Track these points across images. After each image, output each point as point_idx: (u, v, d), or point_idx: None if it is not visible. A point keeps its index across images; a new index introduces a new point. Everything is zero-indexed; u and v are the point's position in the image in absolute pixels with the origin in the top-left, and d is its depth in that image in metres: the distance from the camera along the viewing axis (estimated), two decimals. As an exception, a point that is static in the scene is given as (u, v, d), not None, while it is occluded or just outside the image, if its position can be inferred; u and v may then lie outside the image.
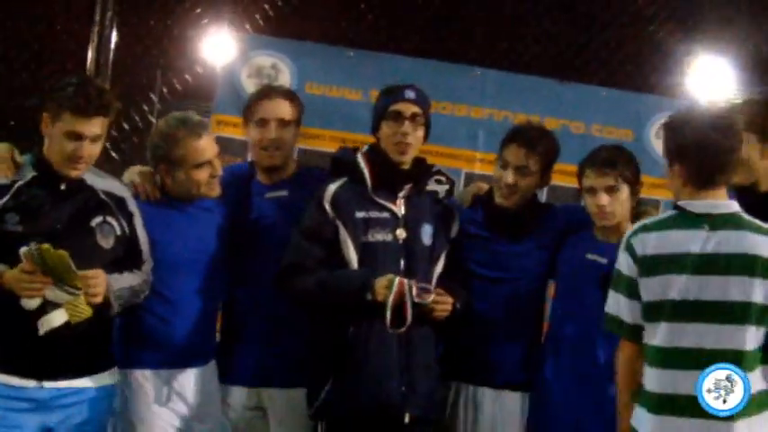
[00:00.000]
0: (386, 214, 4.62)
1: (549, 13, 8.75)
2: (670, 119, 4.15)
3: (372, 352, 4.48)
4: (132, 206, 4.52)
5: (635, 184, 4.73)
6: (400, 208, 4.65)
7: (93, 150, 4.26)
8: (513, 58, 8.67)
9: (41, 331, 4.06)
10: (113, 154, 4.74)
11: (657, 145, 6.28)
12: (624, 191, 4.67)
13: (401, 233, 4.61)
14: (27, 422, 4.17)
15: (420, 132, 4.69)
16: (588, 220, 4.83)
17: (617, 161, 4.67)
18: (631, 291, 4.04)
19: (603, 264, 4.66)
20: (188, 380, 4.74)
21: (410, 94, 4.68)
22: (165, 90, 8.89)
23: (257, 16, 7.72)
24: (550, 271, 4.96)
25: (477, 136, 6.15)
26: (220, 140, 5.90)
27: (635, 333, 4.06)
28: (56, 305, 4.07)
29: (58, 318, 4.07)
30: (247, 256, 4.92)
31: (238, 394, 4.89)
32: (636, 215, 4.77)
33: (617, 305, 4.10)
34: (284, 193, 4.94)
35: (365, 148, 4.79)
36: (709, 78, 7.30)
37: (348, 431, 4.56)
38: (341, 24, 9.37)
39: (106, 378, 4.40)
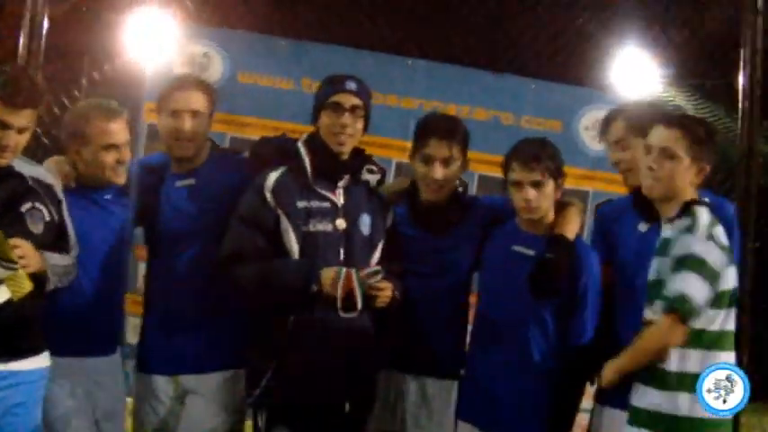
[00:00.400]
0: (326, 204, 4.64)
1: (481, 4, 8.80)
2: None
3: (313, 341, 4.51)
4: (60, 193, 4.52)
5: (559, 177, 4.78)
6: (339, 198, 4.68)
7: (19, 140, 4.26)
8: (444, 48, 8.71)
9: None
10: (44, 140, 4.71)
11: (586, 136, 6.41)
12: (549, 185, 4.71)
13: (341, 223, 4.64)
14: (-40, 405, 4.17)
15: (359, 124, 4.71)
16: (512, 211, 4.87)
17: (542, 156, 4.69)
18: (714, 279, 4.15)
19: (530, 255, 4.73)
20: (96, 367, 4.77)
21: (351, 85, 4.69)
22: (96, 76, 8.84)
23: (189, 4, 7.67)
24: (476, 262, 5.01)
25: (408, 126, 6.17)
26: (153, 128, 5.94)
27: (697, 318, 4.18)
28: None
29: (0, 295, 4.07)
30: (158, 245, 4.97)
31: (161, 384, 4.88)
32: (558, 206, 4.84)
33: (699, 290, 4.14)
34: (192, 181, 4.92)
35: (305, 136, 4.80)
36: (635, 72, 7.39)
37: (289, 419, 4.57)
38: (273, 14, 9.36)
39: (39, 361, 4.40)
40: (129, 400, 5.10)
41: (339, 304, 4.43)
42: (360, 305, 4.46)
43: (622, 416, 4.53)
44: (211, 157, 5.01)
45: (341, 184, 4.70)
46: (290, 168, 4.68)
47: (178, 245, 4.84)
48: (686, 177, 4.28)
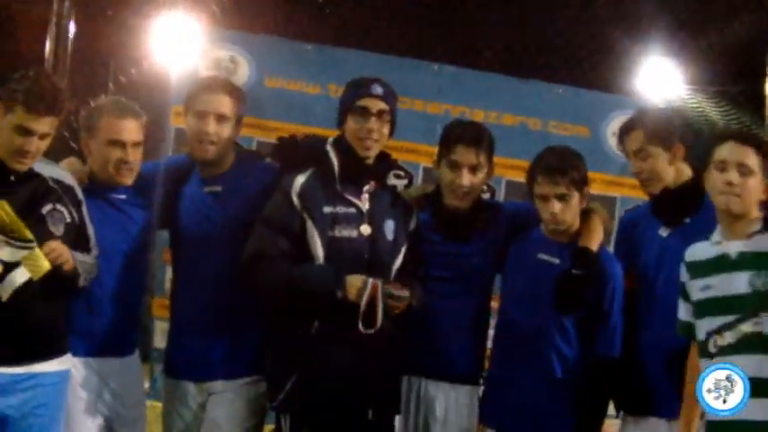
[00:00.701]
0: (352, 210, 4.59)
1: (509, 12, 8.81)
2: None
3: (337, 348, 4.47)
4: (80, 194, 4.50)
5: (584, 187, 4.76)
6: (365, 203, 4.62)
7: (40, 146, 4.24)
8: (471, 54, 8.71)
9: (4, 297, 4.06)
10: (72, 144, 4.73)
11: (613, 143, 6.35)
12: (575, 197, 4.67)
13: (366, 229, 4.58)
14: (-18, 407, 4.20)
15: (386, 129, 4.66)
16: (537, 218, 4.86)
17: (567, 168, 4.65)
18: None
19: (555, 264, 4.71)
20: (111, 367, 4.73)
21: (377, 89, 4.63)
22: (123, 80, 8.88)
23: (215, 8, 7.71)
24: (498, 267, 4.98)
25: (434, 131, 6.17)
26: (180, 132, 5.93)
27: None
28: (14, 266, 4.06)
29: (18, 277, 4.06)
30: (183, 249, 4.91)
31: (190, 389, 4.83)
32: (582, 214, 4.81)
33: None
34: (219, 188, 4.84)
35: (332, 139, 4.75)
36: (662, 78, 7.37)
37: (312, 425, 4.54)
38: (299, 18, 9.39)
39: (61, 363, 4.39)
40: (159, 404, 5.08)
41: (360, 317, 4.35)
42: (379, 323, 4.39)
43: (655, 421, 4.61)
44: (238, 162, 4.94)
45: (366, 189, 4.66)
46: (317, 171, 4.65)
47: (204, 250, 4.78)
48: (759, 193, 4.25)
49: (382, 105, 4.61)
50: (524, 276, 4.81)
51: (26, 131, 4.16)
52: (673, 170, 4.72)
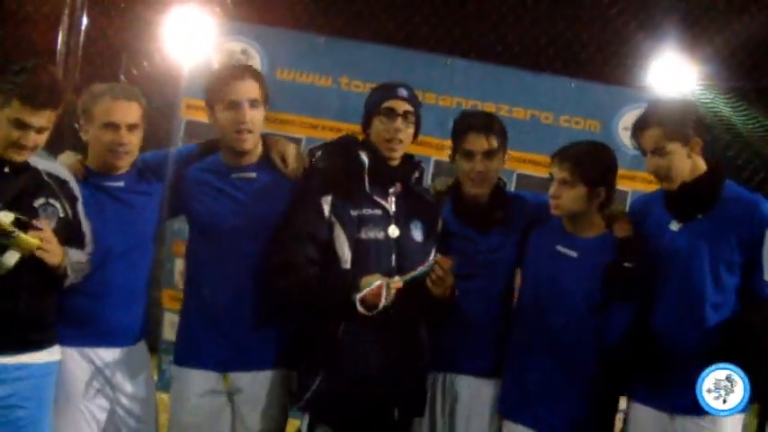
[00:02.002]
0: (378, 211, 4.63)
1: (521, 5, 8.80)
2: None
3: (363, 349, 4.51)
4: (75, 190, 4.49)
5: (597, 185, 4.74)
6: (392, 205, 4.67)
7: (38, 139, 4.23)
8: (484, 48, 8.70)
9: None
10: (83, 136, 4.74)
11: (625, 137, 6.35)
12: (580, 188, 4.69)
13: (393, 230, 4.63)
14: (-30, 397, 4.19)
15: (411, 130, 4.71)
16: (554, 210, 4.89)
17: (578, 158, 4.70)
18: None
19: (573, 257, 4.74)
20: (114, 358, 4.72)
21: (403, 92, 4.70)
22: (135, 73, 8.88)
23: (228, 1, 7.71)
24: (518, 258, 5.00)
25: (446, 124, 6.16)
26: (191, 124, 5.93)
27: None
28: (2, 249, 4.07)
29: (9, 258, 4.07)
30: (212, 238, 4.84)
31: (202, 378, 4.81)
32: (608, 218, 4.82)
33: None
34: (252, 175, 4.83)
35: (361, 142, 4.78)
36: (674, 73, 7.34)
37: (336, 424, 4.58)
38: (312, 11, 9.38)
39: (50, 354, 4.39)
40: (167, 396, 5.08)
41: (359, 308, 4.36)
42: (382, 304, 4.37)
43: (657, 414, 4.64)
44: (266, 153, 4.92)
45: (392, 190, 4.70)
46: (345, 173, 4.67)
47: (235, 239, 4.74)
48: None
49: (408, 107, 4.67)
50: (542, 268, 4.85)
51: (23, 125, 4.16)
52: (690, 164, 4.69)
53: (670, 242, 4.71)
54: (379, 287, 4.34)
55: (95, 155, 4.70)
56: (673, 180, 4.70)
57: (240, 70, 4.87)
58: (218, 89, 4.78)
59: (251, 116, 4.73)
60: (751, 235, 4.58)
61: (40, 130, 4.21)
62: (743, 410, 4.36)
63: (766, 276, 4.54)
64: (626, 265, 4.61)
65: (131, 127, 4.66)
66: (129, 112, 4.67)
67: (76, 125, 4.76)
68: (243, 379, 4.78)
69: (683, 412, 4.59)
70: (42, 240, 4.14)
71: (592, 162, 4.74)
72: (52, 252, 4.19)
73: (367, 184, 4.64)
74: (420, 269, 4.48)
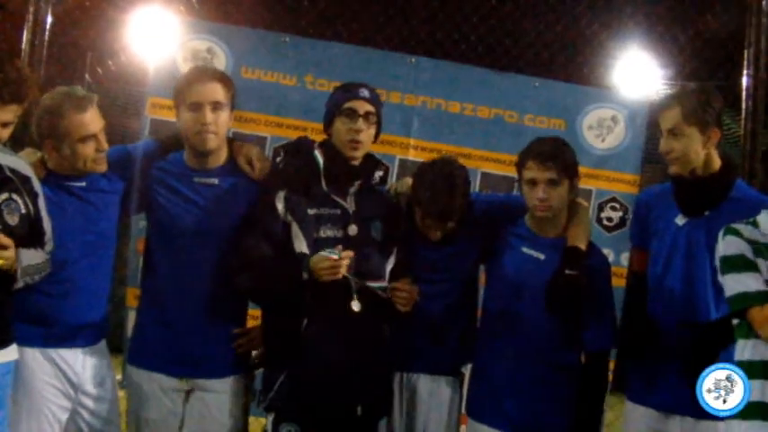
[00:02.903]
0: (337, 211, 4.66)
1: (486, 4, 8.80)
2: None
3: (325, 344, 4.53)
4: (37, 186, 4.46)
5: (574, 178, 4.77)
6: (351, 204, 4.70)
7: (2, 133, 4.22)
8: (447, 46, 8.71)
9: None
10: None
11: (589, 135, 6.39)
12: (565, 185, 4.71)
13: (353, 229, 4.66)
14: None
15: (372, 130, 4.75)
16: (517, 209, 4.90)
17: (559, 155, 4.71)
18: None
19: (540, 259, 4.77)
20: (76, 358, 4.71)
21: (364, 92, 4.74)
22: (99, 72, 8.84)
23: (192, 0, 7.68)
24: (482, 259, 5.03)
25: (411, 123, 6.20)
26: (156, 123, 5.92)
27: None
28: None
29: None
30: (170, 240, 4.86)
31: (169, 382, 4.82)
32: (569, 206, 4.83)
33: None
34: (214, 181, 4.85)
35: (318, 142, 4.82)
36: (639, 72, 7.39)
37: (298, 422, 4.59)
38: (277, 10, 9.37)
39: (6, 354, 4.33)
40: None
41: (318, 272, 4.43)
42: (342, 271, 4.44)
43: (652, 413, 4.70)
44: (233, 157, 4.95)
45: (351, 190, 4.73)
46: (301, 173, 4.69)
47: (198, 243, 4.77)
48: None
49: (369, 107, 4.71)
50: (509, 270, 4.86)
51: None
52: (704, 155, 4.69)
53: (674, 237, 4.74)
54: (328, 258, 4.39)
55: (69, 165, 4.68)
56: (683, 165, 4.70)
57: (204, 73, 4.91)
58: (181, 91, 4.82)
59: (212, 118, 4.75)
60: None
61: (4, 125, 4.20)
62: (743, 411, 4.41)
63: None
64: (567, 272, 4.63)
65: (101, 129, 4.70)
66: (98, 115, 4.71)
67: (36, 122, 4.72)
68: (200, 383, 4.80)
69: (678, 411, 4.64)
70: (5, 247, 4.12)
71: (570, 155, 4.78)
72: (4, 256, 4.15)
73: (324, 183, 4.66)
74: (376, 285, 4.58)
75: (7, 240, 4.13)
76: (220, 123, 4.80)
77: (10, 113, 4.18)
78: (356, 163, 4.74)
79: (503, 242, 4.93)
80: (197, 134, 4.78)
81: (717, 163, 4.73)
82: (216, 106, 4.77)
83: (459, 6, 8.94)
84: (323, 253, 4.43)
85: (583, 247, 4.72)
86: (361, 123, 4.67)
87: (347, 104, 4.70)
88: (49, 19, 6.36)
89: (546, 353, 4.72)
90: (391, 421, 4.93)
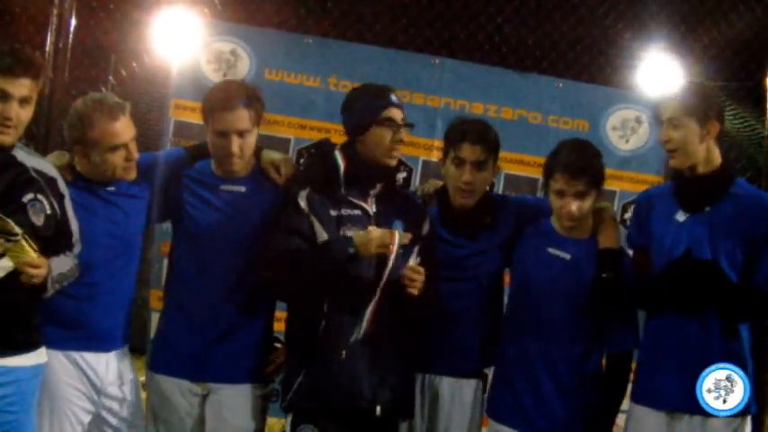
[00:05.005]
0: (358, 212, 4.63)
1: (509, 6, 8.80)
2: None
3: (344, 344, 4.51)
4: (63, 187, 4.46)
5: (601, 185, 4.76)
6: (372, 206, 4.67)
7: (21, 114, 4.20)
8: (471, 47, 8.71)
9: None
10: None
11: (613, 136, 6.38)
12: (592, 195, 4.69)
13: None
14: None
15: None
16: (544, 210, 4.89)
17: (588, 168, 4.67)
18: None
19: (566, 259, 4.75)
20: (99, 361, 4.71)
21: (394, 97, 4.70)
22: (123, 74, 8.88)
23: (216, 1, 7.70)
24: (507, 260, 5.01)
25: (434, 124, 6.21)
26: (179, 124, 5.93)
27: None
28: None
29: (3, 263, 4.05)
30: (195, 246, 4.85)
31: (187, 385, 4.82)
32: (594, 211, 4.82)
33: None
34: (241, 188, 4.84)
35: (339, 145, 4.77)
36: (662, 72, 7.36)
37: (319, 423, 4.56)
38: (300, 11, 9.38)
39: (35, 357, 4.35)
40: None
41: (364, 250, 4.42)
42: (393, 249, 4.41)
43: (657, 415, 4.62)
44: (259, 164, 4.92)
45: (373, 192, 4.70)
46: (322, 175, 4.67)
47: (222, 250, 4.77)
48: None
49: (403, 114, 4.69)
50: (534, 270, 4.85)
51: (3, 95, 4.13)
52: (703, 149, 4.65)
53: (675, 234, 4.70)
54: (382, 233, 4.39)
55: (100, 173, 4.68)
56: (680, 157, 4.68)
57: (231, 96, 4.75)
58: (208, 112, 4.77)
59: (239, 145, 4.72)
60: (755, 231, 4.58)
61: (22, 102, 4.19)
62: (743, 411, 4.39)
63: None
64: (605, 276, 4.62)
65: (133, 138, 4.69)
66: (130, 125, 4.69)
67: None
68: (218, 388, 4.79)
69: (683, 411, 4.59)
70: (38, 266, 4.12)
71: (599, 165, 4.76)
72: (38, 275, 4.16)
73: (343, 186, 4.64)
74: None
75: (41, 261, 4.14)
76: (246, 148, 4.77)
77: (24, 88, 4.17)
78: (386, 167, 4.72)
79: (527, 242, 4.93)
80: (224, 158, 4.77)
81: (717, 159, 4.71)
82: (242, 134, 4.72)
83: (483, 8, 8.94)
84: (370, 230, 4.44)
85: (616, 247, 4.71)
86: (403, 133, 4.64)
87: (385, 113, 4.63)
88: (73, 21, 6.38)
89: (570, 356, 4.70)
90: (413, 423, 4.91)
